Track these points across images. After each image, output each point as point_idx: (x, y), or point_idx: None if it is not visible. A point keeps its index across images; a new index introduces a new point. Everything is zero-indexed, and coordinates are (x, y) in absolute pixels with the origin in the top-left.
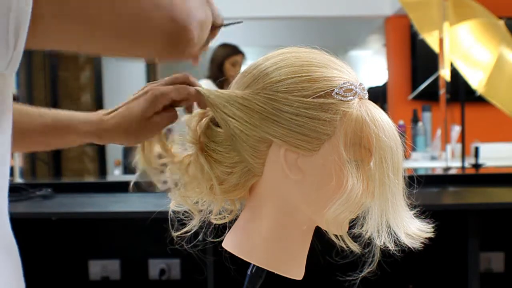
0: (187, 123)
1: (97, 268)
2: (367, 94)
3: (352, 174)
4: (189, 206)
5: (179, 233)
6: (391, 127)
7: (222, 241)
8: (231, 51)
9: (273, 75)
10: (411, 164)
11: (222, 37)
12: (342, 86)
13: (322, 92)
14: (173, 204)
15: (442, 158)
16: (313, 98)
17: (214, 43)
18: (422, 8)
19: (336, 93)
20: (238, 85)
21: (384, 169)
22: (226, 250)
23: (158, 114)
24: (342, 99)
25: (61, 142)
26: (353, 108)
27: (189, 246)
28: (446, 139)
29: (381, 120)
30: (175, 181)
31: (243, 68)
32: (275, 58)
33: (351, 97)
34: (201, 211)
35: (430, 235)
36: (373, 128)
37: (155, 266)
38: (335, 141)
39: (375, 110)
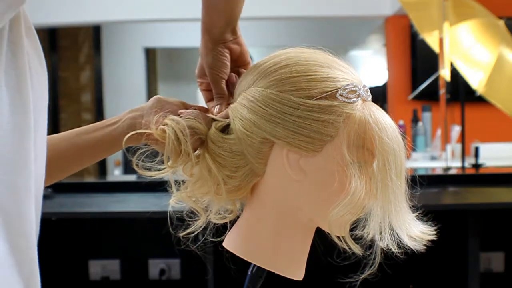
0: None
1: (97, 268)
2: (370, 96)
3: (355, 176)
4: (195, 206)
5: (184, 233)
6: (394, 129)
7: (222, 241)
8: None
9: (276, 73)
10: (411, 164)
11: None
12: (346, 87)
13: (326, 94)
14: (172, 201)
15: (442, 158)
16: (317, 99)
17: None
18: (422, 8)
19: (340, 95)
20: (242, 84)
21: (387, 171)
22: (226, 250)
23: None
24: (346, 100)
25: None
26: (356, 110)
27: (190, 245)
28: (446, 139)
29: (384, 122)
30: (177, 181)
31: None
32: (279, 58)
33: (355, 99)
34: (207, 210)
35: (433, 237)
36: (376, 130)
37: (155, 266)
38: (338, 143)
39: (378, 112)
